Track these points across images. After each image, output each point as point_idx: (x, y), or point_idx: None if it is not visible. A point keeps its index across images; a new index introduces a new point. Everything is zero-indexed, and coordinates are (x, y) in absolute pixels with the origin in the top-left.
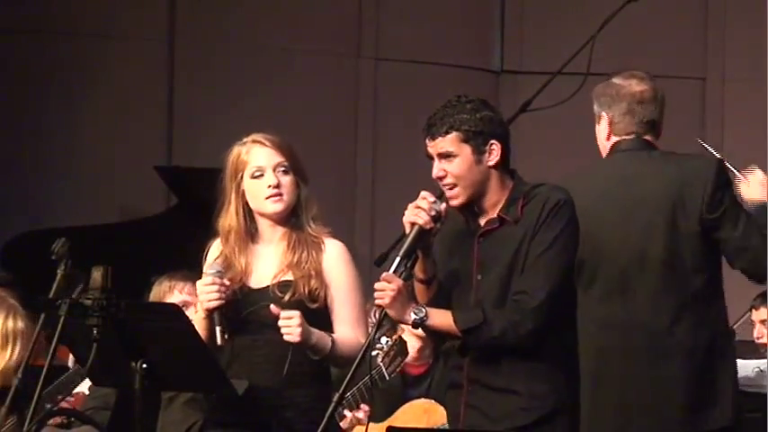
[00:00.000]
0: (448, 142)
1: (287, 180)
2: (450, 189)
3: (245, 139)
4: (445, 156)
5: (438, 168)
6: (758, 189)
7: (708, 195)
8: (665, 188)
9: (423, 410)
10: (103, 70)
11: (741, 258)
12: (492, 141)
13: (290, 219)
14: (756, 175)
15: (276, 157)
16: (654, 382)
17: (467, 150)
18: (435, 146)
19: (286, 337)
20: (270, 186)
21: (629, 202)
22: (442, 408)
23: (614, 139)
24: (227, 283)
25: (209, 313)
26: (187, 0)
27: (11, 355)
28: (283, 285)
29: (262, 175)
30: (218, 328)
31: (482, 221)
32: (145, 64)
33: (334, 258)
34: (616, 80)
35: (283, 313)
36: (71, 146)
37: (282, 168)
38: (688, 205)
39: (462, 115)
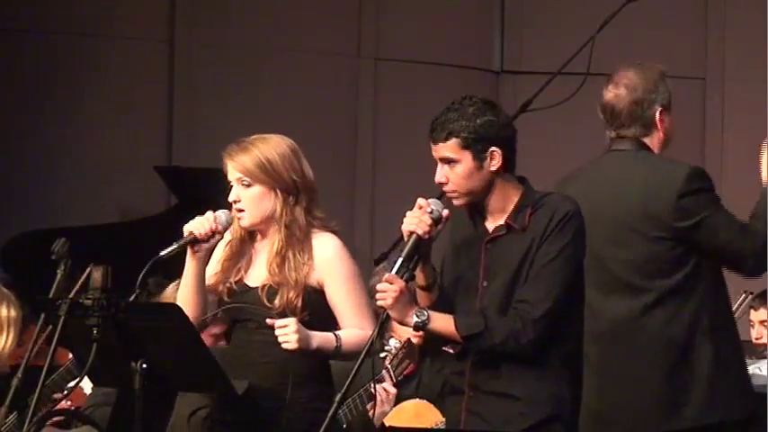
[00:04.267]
0: (448, 148)
1: (247, 194)
2: (452, 193)
3: (233, 143)
4: (447, 161)
5: (440, 174)
6: None
7: (674, 201)
8: (636, 191)
9: (414, 414)
10: (103, 70)
11: (725, 263)
12: (492, 148)
13: (274, 223)
14: None
15: (235, 173)
16: (625, 378)
17: (467, 157)
18: (438, 151)
19: (284, 346)
20: (231, 201)
21: (603, 203)
22: (434, 408)
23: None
24: (221, 231)
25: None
26: (187, 0)
27: (4, 343)
28: (270, 292)
29: (232, 188)
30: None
31: (490, 228)
32: (145, 64)
33: (326, 255)
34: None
35: (278, 323)
36: (71, 146)
37: (243, 183)
38: (653, 211)
39: (462, 121)
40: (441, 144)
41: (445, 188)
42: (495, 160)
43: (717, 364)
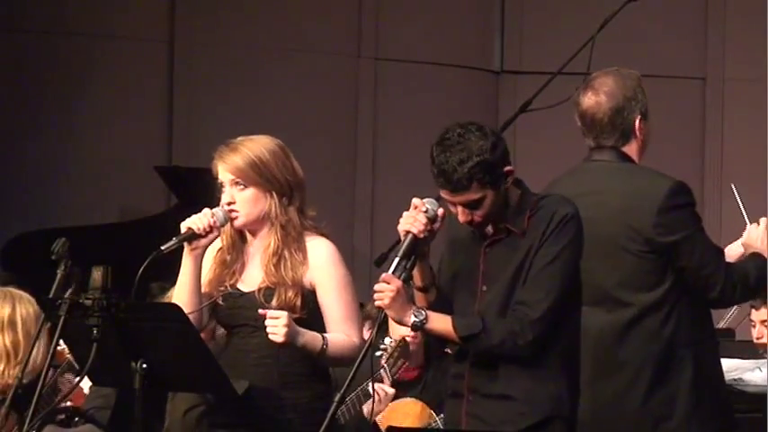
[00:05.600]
0: (472, 193)
1: (242, 197)
2: (479, 225)
3: (222, 144)
4: (472, 205)
5: (465, 215)
6: (756, 239)
7: (654, 216)
8: (618, 205)
9: (405, 413)
10: (103, 70)
11: (697, 286)
12: (506, 168)
13: (268, 224)
14: (758, 228)
15: (228, 174)
16: (608, 392)
17: (490, 191)
18: (459, 198)
19: (271, 337)
20: (225, 203)
21: (586, 217)
22: (426, 407)
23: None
24: (219, 227)
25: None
26: (187, 0)
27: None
28: (267, 294)
29: (225, 189)
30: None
31: (489, 231)
32: (145, 64)
33: (320, 260)
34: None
35: (270, 313)
36: (71, 146)
37: (237, 185)
38: (635, 225)
39: (474, 159)
40: (464, 193)
41: (474, 224)
42: (510, 176)
43: (697, 377)
